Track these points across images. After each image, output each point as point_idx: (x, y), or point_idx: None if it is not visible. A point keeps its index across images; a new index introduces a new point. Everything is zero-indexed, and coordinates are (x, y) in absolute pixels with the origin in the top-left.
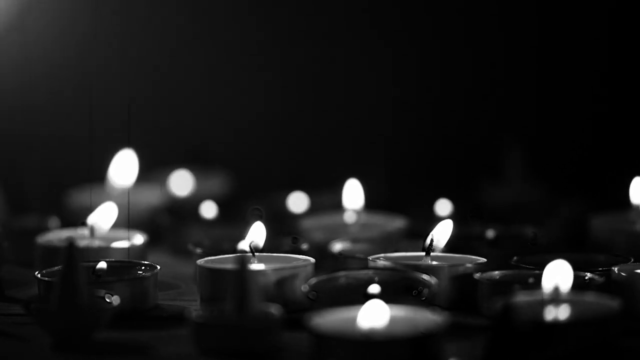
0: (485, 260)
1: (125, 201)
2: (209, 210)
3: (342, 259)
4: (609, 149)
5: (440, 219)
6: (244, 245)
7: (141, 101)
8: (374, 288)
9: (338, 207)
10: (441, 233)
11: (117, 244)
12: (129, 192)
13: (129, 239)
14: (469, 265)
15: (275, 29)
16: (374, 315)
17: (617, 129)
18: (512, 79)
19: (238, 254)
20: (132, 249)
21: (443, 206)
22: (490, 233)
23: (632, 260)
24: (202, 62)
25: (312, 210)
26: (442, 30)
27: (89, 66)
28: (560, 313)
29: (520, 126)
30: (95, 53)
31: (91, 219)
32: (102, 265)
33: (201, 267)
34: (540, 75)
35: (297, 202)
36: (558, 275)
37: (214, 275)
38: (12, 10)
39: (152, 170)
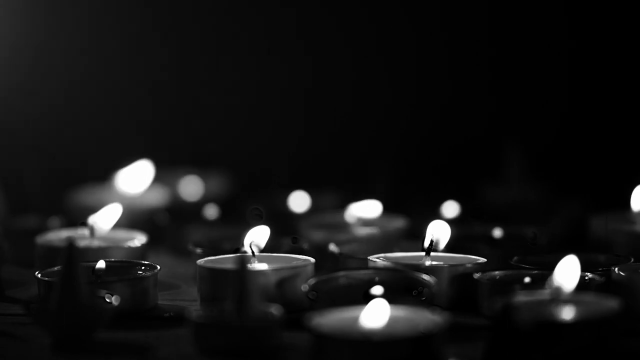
0: (485, 260)
1: (129, 203)
2: (211, 211)
3: (342, 259)
4: (610, 149)
5: (440, 219)
6: (245, 245)
7: (141, 101)
8: (377, 289)
9: (338, 207)
10: (439, 233)
11: (117, 244)
12: (135, 196)
13: (129, 239)
14: (469, 265)
15: (275, 29)
16: (377, 314)
17: (617, 129)
18: (513, 80)
19: (238, 254)
20: (132, 249)
21: (445, 206)
22: (492, 233)
23: (632, 260)
24: (202, 62)
25: (313, 210)
26: (443, 32)
27: (89, 66)
28: (560, 313)
29: (521, 126)
30: (96, 54)
31: (92, 219)
32: (101, 264)
33: (201, 267)
34: (540, 75)
35: (298, 201)
36: (568, 273)
37: (214, 275)
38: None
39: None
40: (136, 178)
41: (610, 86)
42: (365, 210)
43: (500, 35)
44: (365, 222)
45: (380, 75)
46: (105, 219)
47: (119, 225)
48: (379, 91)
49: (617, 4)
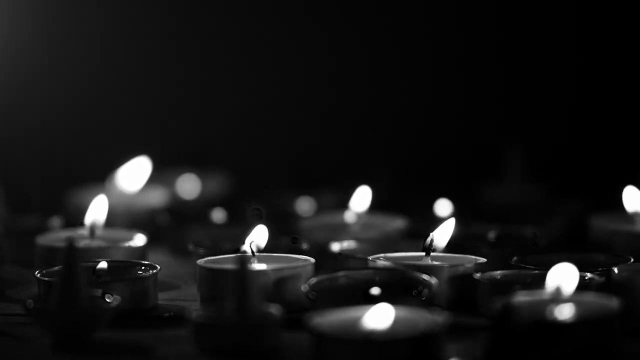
0: (485, 260)
1: (129, 203)
2: (217, 215)
3: (342, 259)
4: (610, 149)
5: (440, 219)
6: (244, 245)
7: (142, 101)
8: (375, 290)
9: (338, 207)
10: (443, 232)
11: (117, 244)
12: (134, 195)
13: (129, 239)
14: (469, 265)
15: (276, 29)
16: (380, 317)
17: (617, 129)
18: (513, 80)
19: (238, 254)
20: (132, 249)
21: (443, 206)
22: (491, 234)
23: (632, 260)
24: (202, 62)
25: (313, 210)
26: (443, 32)
27: (89, 66)
28: (560, 313)
29: (521, 126)
30: (95, 53)
31: (88, 219)
32: (102, 265)
33: (201, 267)
34: (541, 76)
35: (298, 202)
36: (563, 277)
37: (214, 275)
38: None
39: (153, 171)
40: (134, 175)
41: (611, 87)
42: (365, 210)
43: (503, 35)
44: (365, 223)
45: (382, 75)
46: (95, 215)
47: (118, 224)
48: (380, 91)
49: (621, 12)
